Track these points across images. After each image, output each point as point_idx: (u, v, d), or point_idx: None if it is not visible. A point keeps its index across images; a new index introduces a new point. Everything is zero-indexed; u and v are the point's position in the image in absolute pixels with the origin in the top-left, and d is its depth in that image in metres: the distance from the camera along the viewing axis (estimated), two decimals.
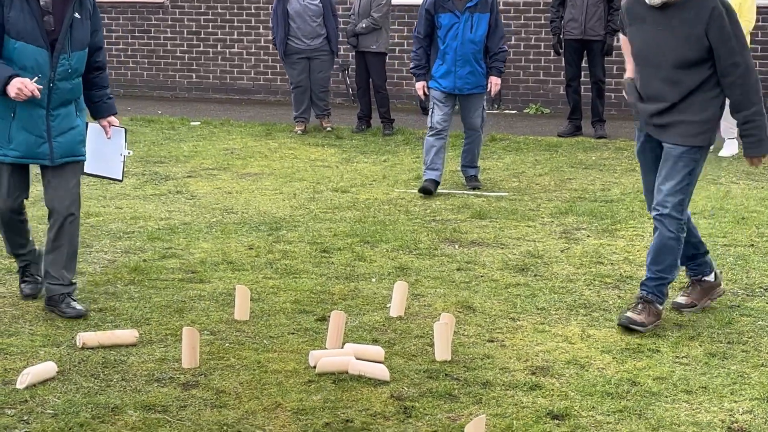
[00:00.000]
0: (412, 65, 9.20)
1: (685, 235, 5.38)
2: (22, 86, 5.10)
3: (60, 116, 5.38)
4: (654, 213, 5.37)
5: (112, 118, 5.74)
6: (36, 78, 5.20)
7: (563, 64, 12.75)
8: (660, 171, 5.39)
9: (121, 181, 6.03)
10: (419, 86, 9.09)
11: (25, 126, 5.31)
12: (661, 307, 5.38)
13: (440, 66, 8.93)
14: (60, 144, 5.40)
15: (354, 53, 12.92)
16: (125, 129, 5.90)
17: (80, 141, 5.50)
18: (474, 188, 9.06)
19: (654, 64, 5.31)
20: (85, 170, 5.68)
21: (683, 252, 5.54)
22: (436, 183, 8.93)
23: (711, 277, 5.72)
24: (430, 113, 9.05)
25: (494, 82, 8.99)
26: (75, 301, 5.45)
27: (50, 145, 5.37)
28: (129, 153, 5.89)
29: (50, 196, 5.47)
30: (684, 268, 5.74)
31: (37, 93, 5.15)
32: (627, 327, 5.24)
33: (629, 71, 5.57)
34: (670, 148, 5.34)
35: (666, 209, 5.29)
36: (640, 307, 5.32)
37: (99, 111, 5.73)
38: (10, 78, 5.13)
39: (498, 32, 8.93)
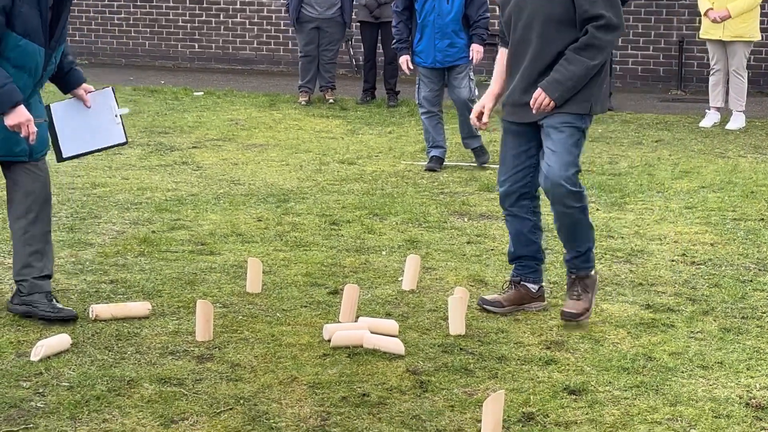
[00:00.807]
0: (393, 40, 9.09)
1: (585, 195, 4.95)
2: (26, 125, 4.67)
3: (32, 110, 4.88)
4: (553, 195, 4.90)
5: (86, 86, 5.18)
6: (42, 121, 4.88)
7: None
8: (544, 150, 4.93)
9: (126, 142, 5.40)
10: (402, 60, 8.90)
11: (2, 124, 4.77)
12: (593, 272, 5.05)
13: (419, 41, 8.76)
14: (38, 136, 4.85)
15: (359, 24, 12.84)
16: (112, 87, 5.39)
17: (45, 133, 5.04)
18: (482, 164, 8.96)
19: (525, 26, 4.88)
20: (87, 149, 5.25)
21: (514, 248, 5.25)
22: (441, 160, 8.84)
23: (533, 287, 5.24)
24: (417, 89, 8.90)
25: (476, 50, 8.68)
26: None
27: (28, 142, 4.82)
28: (125, 111, 5.38)
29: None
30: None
31: (33, 139, 4.72)
32: (569, 321, 4.96)
33: (495, 86, 5.17)
34: (549, 120, 4.86)
35: (563, 187, 4.82)
36: (577, 289, 5.00)
37: (71, 82, 5.14)
38: (17, 105, 4.65)
39: (477, 1, 8.66)
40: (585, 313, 4.98)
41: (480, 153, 9.06)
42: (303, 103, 12.28)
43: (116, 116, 5.27)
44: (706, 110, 11.27)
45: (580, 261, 5.04)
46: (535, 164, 5.07)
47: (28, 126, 4.69)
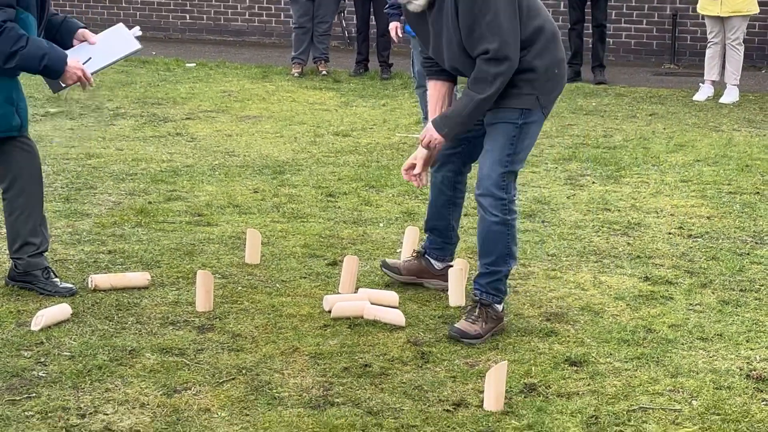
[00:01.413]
0: (386, 6, 9.01)
1: (514, 217, 4.57)
2: (82, 74, 4.68)
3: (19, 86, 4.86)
4: (475, 195, 4.56)
5: (85, 31, 4.96)
6: (88, 59, 4.81)
7: (564, 8, 12.65)
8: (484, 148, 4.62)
9: (141, 48, 5.12)
10: (392, 27, 8.79)
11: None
12: (500, 308, 4.57)
13: None
14: (23, 111, 4.86)
15: None
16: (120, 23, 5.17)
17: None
18: None
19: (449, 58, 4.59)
20: (105, 62, 4.97)
21: (427, 217, 5.03)
22: None
23: (436, 264, 5.08)
24: (411, 62, 8.62)
25: None
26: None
27: (19, 116, 4.81)
28: (137, 32, 5.10)
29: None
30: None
31: (92, 82, 4.75)
32: (459, 341, 4.44)
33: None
34: (487, 118, 4.56)
35: (484, 188, 4.47)
36: (476, 313, 4.51)
37: (70, 29, 4.93)
38: (66, 60, 4.64)
39: None
40: (476, 337, 4.44)
41: None
42: (296, 74, 12.23)
43: (133, 36, 5.07)
44: (700, 83, 11.26)
45: (486, 283, 4.57)
46: (477, 137, 4.69)
47: (83, 72, 4.69)
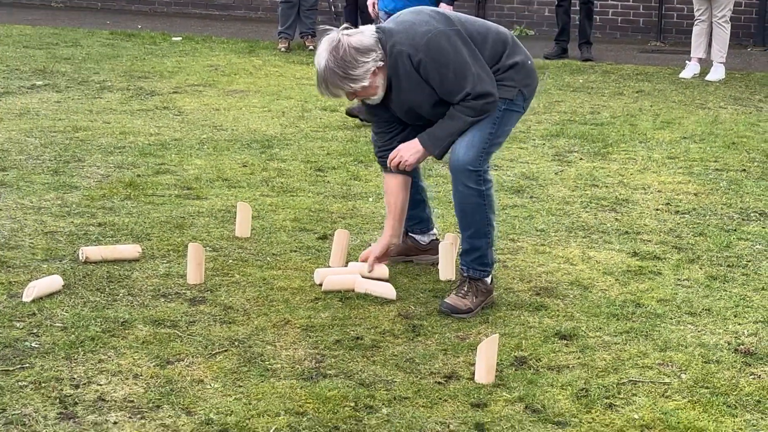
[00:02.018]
0: None
1: (489, 186, 4.55)
2: None
3: None
4: (451, 171, 4.56)
5: None
6: None
7: None
8: None
9: None
10: (369, 2, 8.40)
11: None
12: (489, 280, 4.61)
13: None
14: None
15: None
16: None
17: None
18: None
19: (422, 119, 4.63)
20: None
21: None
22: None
23: (422, 238, 5.14)
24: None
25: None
26: None
27: None
28: None
29: None
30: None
31: None
32: (449, 316, 4.48)
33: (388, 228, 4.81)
34: None
35: (460, 165, 4.47)
36: (465, 288, 4.56)
37: None
38: None
39: None
40: (467, 311, 4.49)
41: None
42: (282, 49, 12.20)
43: None
44: (687, 61, 11.30)
45: (472, 259, 4.60)
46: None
47: None
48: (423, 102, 4.49)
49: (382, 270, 4.86)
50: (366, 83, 4.40)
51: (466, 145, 4.46)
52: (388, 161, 4.66)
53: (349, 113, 8.26)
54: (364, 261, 4.84)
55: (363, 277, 4.75)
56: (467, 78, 4.39)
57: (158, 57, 11.61)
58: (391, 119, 4.69)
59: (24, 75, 10.11)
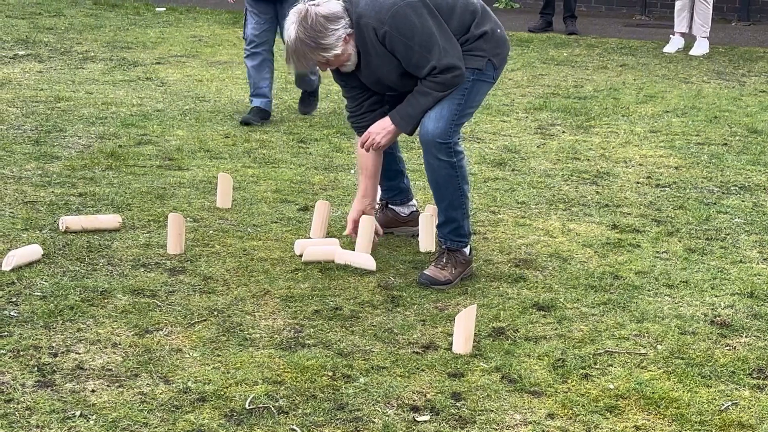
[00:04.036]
0: None
1: (461, 157, 4.53)
2: None
3: None
4: (421, 143, 4.54)
5: None
6: None
7: None
8: None
9: None
10: None
11: None
12: (468, 251, 4.62)
13: None
14: None
15: None
16: None
17: None
18: (304, 113, 7.63)
19: (391, 89, 4.64)
20: None
21: (387, 167, 4.97)
22: (264, 112, 7.38)
23: (402, 210, 5.14)
24: (244, 23, 7.51)
25: None
26: None
27: None
28: None
29: None
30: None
31: None
32: (429, 287, 4.48)
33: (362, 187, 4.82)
34: None
35: (431, 137, 4.44)
36: (444, 260, 4.57)
37: None
38: None
39: None
40: (446, 282, 4.50)
41: (307, 101, 7.72)
42: None
43: None
44: (671, 35, 11.31)
45: (449, 231, 4.60)
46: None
47: None
48: (390, 73, 4.48)
49: (370, 222, 4.80)
50: (338, 51, 4.38)
51: (436, 118, 4.44)
52: (359, 143, 4.65)
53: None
54: (353, 226, 4.79)
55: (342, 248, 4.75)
56: (432, 51, 4.36)
57: (141, 27, 11.57)
58: (360, 85, 4.66)
59: (6, 45, 10.06)
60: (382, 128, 4.58)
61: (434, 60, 4.36)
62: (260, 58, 7.39)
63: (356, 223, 4.80)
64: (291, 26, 4.34)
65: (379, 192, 5.29)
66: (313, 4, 4.38)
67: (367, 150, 4.65)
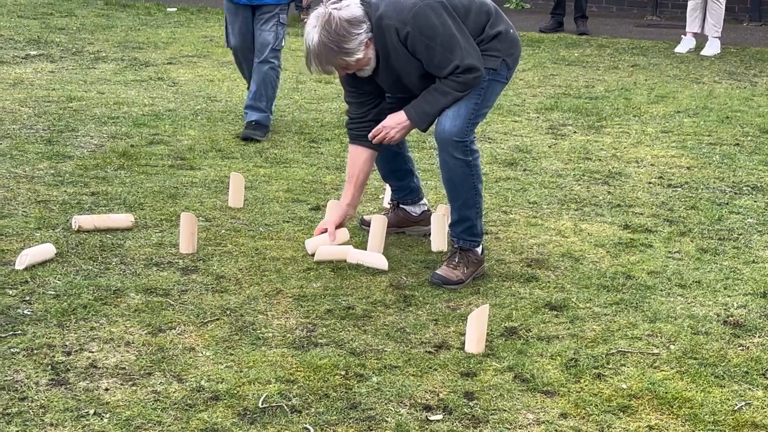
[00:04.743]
0: None
1: (476, 156, 4.53)
2: None
3: None
4: (437, 142, 4.53)
5: None
6: None
7: None
8: None
9: None
10: None
11: None
12: (480, 251, 4.63)
13: None
14: None
15: None
16: None
17: None
18: (246, 137, 6.80)
19: (408, 91, 4.60)
20: None
21: (386, 176, 5.09)
22: (263, 127, 6.96)
23: (413, 209, 5.15)
24: (225, 30, 7.23)
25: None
26: None
27: None
28: None
29: None
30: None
31: None
32: (441, 287, 4.49)
33: (347, 195, 4.78)
34: None
35: (447, 136, 4.44)
36: (456, 259, 4.57)
37: None
38: None
39: None
40: (458, 282, 4.50)
41: (257, 128, 6.92)
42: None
43: None
44: (682, 35, 11.29)
45: (462, 230, 4.60)
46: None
47: None
48: (410, 74, 4.48)
49: (344, 234, 4.81)
50: (360, 55, 4.38)
51: (453, 116, 4.44)
52: (370, 135, 4.62)
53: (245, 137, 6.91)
54: (322, 232, 4.78)
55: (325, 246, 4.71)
56: (455, 51, 4.37)
57: (153, 28, 11.59)
58: (370, 91, 4.65)
59: (18, 45, 10.09)
60: (396, 123, 4.57)
61: (457, 60, 4.36)
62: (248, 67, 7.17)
63: (334, 231, 4.75)
64: (313, 30, 4.32)
65: (390, 192, 5.31)
66: (335, 8, 4.35)
67: (377, 143, 4.64)
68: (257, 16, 6.98)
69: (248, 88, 7.23)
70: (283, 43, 7.08)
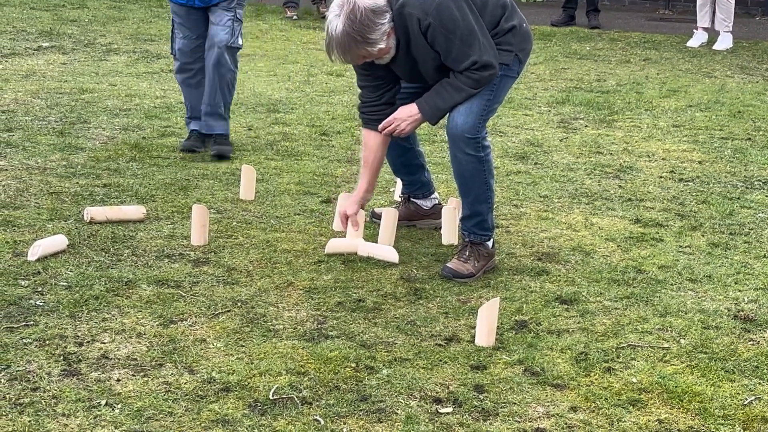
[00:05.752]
0: None
1: (488, 152, 4.53)
2: None
3: None
4: (449, 138, 4.53)
5: None
6: None
7: None
8: None
9: None
10: None
11: None
12: (491, 244, 4.63)
13: None
14: None
15: None
16: None
17: None
18: (217, 156, 6.18)
19: (423, 80, 4.58)
20: None
21: (397, 170, 5.10)
22: (227, 138, 6.39)
23: (424, 203, 5.16)
24: (171, 37, 6.52)
25: None
26: None
27: None
28: None
29: None
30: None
31: None
32: (451, 280, 4.50)
33: (363, 181, 4.71)
34: None
35: (459, 132, 4.43)
36: (467, 253, 4.57)
37: None
38: None
39: None
40: (468, 276, 4.51)
41: (225, 142, 6.34)
42: (295, 17, 12.13)
43: None
44: (694, 30, 11.27)
45: (473, 224, 4.60)
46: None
47: None
48: (426, 64, 4.46)
49: (361, 217, 4.78)
50: (383, 45, 4.34)
51: (465, 112, 4.43)
52: (380, 126, 4.60)
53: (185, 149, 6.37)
54: (344, 220, 4.74)
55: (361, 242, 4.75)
56: (473, 46, 4.36)
57: (165, 20, 11.59)
58: (384, 76, 4.60)
59: (30, 36, 10.11)
60: (408, 115, 4.55)
61: (475, 55, 4.34)
62: (197, 77, 6.38)
63: (349, 217, 4.72)
64: (336, 19, 4.28)
65: (401, 185, 5.31)
66: None
67: (388, 135, 4.63)
68: (211, 12, 6.24)
69: (187, 109, 6.49)
70: (240, 42, 6.33)
